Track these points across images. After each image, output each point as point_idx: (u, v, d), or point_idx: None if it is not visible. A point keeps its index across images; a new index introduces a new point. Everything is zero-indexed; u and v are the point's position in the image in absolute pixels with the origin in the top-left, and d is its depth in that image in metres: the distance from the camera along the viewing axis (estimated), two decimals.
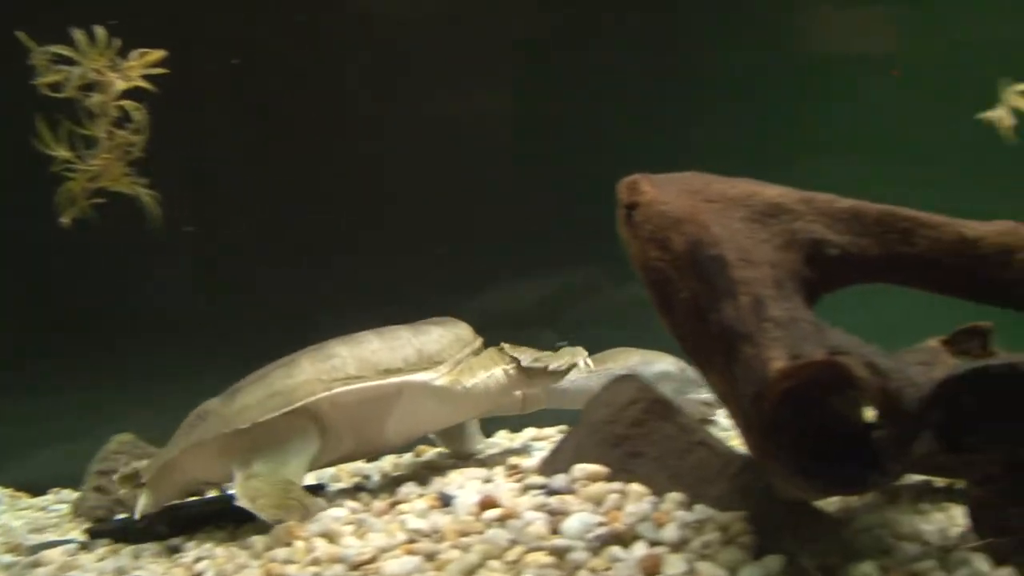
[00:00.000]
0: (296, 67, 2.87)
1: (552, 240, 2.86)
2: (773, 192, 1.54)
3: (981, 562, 1.37)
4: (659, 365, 2.54)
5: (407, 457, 2.48)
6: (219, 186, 2.93)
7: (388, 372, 2.07)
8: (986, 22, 2.76)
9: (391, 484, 2.12)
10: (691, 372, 2.49)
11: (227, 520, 2.01)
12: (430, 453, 2.47)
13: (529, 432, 2.58)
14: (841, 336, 1.43)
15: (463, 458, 2.35)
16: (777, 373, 1.36)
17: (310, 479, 2.22)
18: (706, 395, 2.50)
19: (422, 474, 2.19)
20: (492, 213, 2.87)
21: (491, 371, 2.18)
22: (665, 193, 1.53)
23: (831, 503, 1.68)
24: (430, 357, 2.11)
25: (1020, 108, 2.12)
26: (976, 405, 1.41)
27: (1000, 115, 2.19)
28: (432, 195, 2.88)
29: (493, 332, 2.29)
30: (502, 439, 2.56)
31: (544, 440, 2.48)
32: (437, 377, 2.11)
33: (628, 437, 1.77)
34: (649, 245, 1.51)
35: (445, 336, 2.17)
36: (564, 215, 2.83)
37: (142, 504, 2.03)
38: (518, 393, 2.26)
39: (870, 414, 1.46)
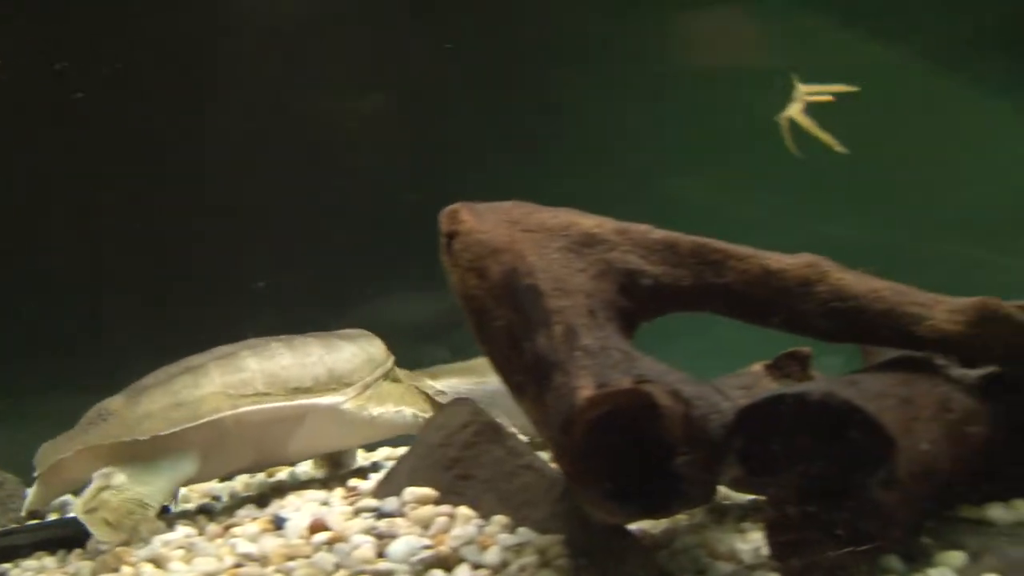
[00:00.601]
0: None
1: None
2: (590, 222, 1.59)
3: None
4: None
5: (260, 477, 2.47)
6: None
7: (297, 392, 2.06)
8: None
9: (236, 506, 2.11)
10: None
11: (60, 546, 1.97)
12: (282, 473, 2.47)
13: (383, 451, 2.59)
14: (650, 364, 1.48)
15: (338, 470, 2.36)
16: (584, 401, 1.40)
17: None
18: None
19: (268, 496, 2.18)
20: (386, 224, 2.87)
21: (401, 408, 2.19)
22: (484, 222, 1.56)
23: (659, 524, 1.73)
24: (340, 378, 2.12)
25: (797, 120, 2.02)
26: (774, 432, 1.48)
27: (789, 117, 2.08)
28: (324, 204, 2.86)
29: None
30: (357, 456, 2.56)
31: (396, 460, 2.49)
32: (344, 401, 2.11)
33: (459, 460, 1.79)
34: (467, 274, 1.54)
35: (358, 356, 2.18)
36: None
37: (31, 499, 2.01)
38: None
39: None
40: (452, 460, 1.80)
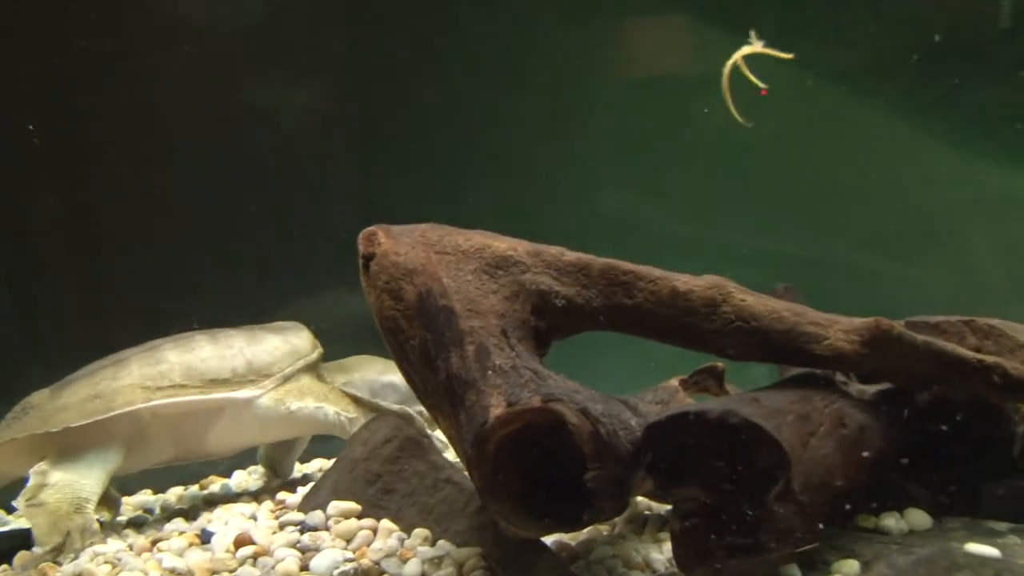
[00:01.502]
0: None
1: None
2: (503, 245, 1.64)
3: None
4: (390, 375, 2.48)
5: (193, 490, 2.50)
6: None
7: (214, 384, 2.08)
8: None
9: (166, 519, 2.14)
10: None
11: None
12: (215, 485, 2.49)
13: (317, 463, 2.62)
14: (560, 383, 1.53)
15: (276, 478, 2.39)
16: (495, 420, 1.46)
17: None
18: None
19: (198, 509, 2.21)
20: (332, 218, 2.90)
21: (321, 404, 2.19)
22: (401, 245, 1.60)
23: (578, 536, 1.79)
24: (259, 370, 2.14)
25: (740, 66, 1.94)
26: (680, 446, 1.53)
27: (733, 63, 1.94)
28: (266, 198, 2.89)
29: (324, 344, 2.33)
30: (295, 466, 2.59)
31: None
32: (261, 394, 2.13)
33: (382, 474, 1.83)
34: (384, 295, 1.58)
35: (280, 348, 2.19)
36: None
37: None
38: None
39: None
40: (375, 474, 1.84)
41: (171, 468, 2.25)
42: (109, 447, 2.01)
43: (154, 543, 1.90)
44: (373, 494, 1.83)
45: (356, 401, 2.25)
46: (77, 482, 1.95)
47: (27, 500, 1.90)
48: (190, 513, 2.21)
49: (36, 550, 1.84)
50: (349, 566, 1.67)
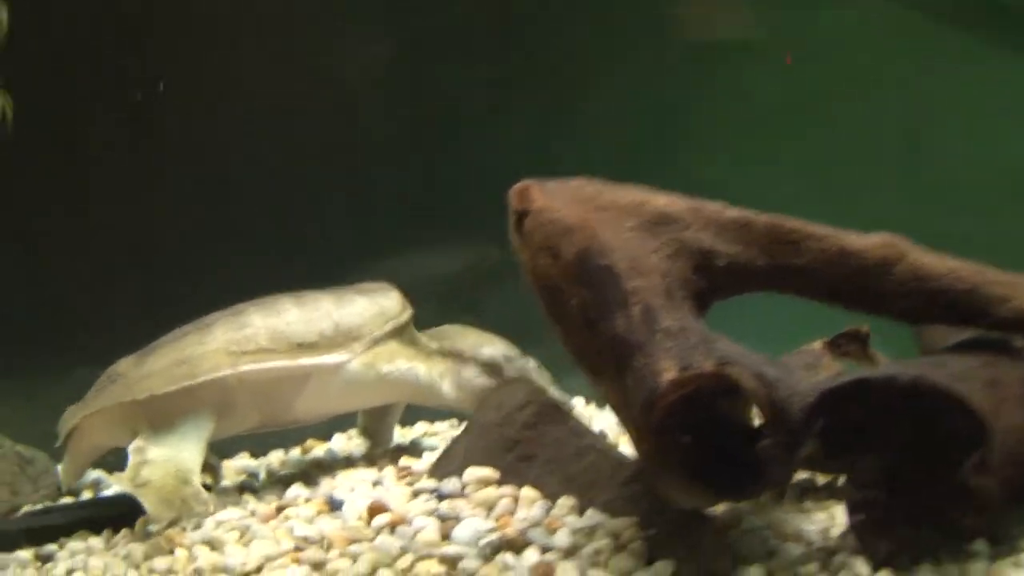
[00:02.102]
0: None
1: (462, 211, 2.76)
2: (662, 201, 1.55)
3: (861, 565, 1.41)
4: (486, 349, 2.29)
5: (294, 454, 2.44)
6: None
7: (301, 347, 2.00)
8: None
9: (278, 484, 2.08)
10: (517, 364, 2.29)
11: (102, 525, 1.94)
12: (318, 449, 2.44)
13: (420, 427, 2.56)
14: (729, 346, 1.45)
15: (377, 447, 2.32)
16: (668, 384, 1.38)
17: None
18: None
19: (311, 474, 2.15)
20: (398, 178, 2.81)
21: (412, 364, 2.10)
22: (556, 201, 1.52)
23: (720, 506, 1.71)
24: (347, 333, 2.05)
25: None
26: (857, 414, 1.45)
27: None
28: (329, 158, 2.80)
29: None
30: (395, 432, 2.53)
31: (436, 436, 2.47)
32: (350, 359, 2.04)
33: (519, 441, 1.76)
34: (539, 253, 1.50)
35: (368, 309, 2.10)
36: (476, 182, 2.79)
37: (62, 474, 1.98)
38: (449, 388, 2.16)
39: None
40: (512, 441, 1.77)
41: (266, 431, 2.20)
42: (200, 414, 1.95)
43: (279, 510, 1.84)
44: (511, 461, 1.76)
45: (444, 354, 2.17)
46: (177, 455, 1.89)
47: (132, 480, 1.84)
48: (299, 478, 2.15)
49: (152, 528, 1.78)
50: (493, 536, 1.60)
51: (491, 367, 2.19)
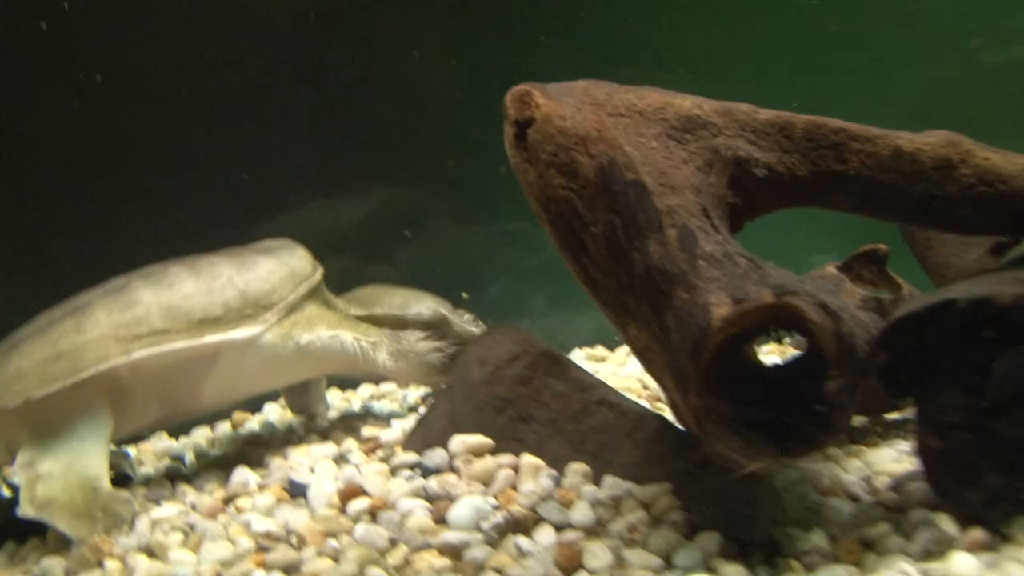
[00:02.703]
0: None
1: (369, 156, 2.49)
2: (687, 103, 1.29)
3: (947, 523, 1.20)
4: (415, 307, 2.05)
5: (223, 429, 2.12)
6: None
7: (203, 324, 1.66)
8: None
9: (214, 468, 1.76)
10: (451, 317, 2.05)
11: (2, 536, 1.60)
12: (251, 422, 2.12)
13: (365, 390, 2.26)
14: (780, 273, 1.21)
15: (303, 415, 2.02)
16: (721, 321, 1.13)
17: None
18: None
19: (251, 453, 1.84)
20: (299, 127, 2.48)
21: (336, 332, 1.80)
22: (564, 107, 1.24)
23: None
24: (256, 301, 1.72)
25: None
26: (932, 345, 1.24)
27: None
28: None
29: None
30: (333, 398, 2.22)
31: (387, 399, 2.17)
32: (264, 331, 1.72)
33: (512, 399, 1.50)
34: (549, 171, 1.22)
35: (276, 271, 1.77)
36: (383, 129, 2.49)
37: None
38: (386, 359, 1.84)
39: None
40: (503, 400, 1.50)
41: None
42: (93, 410, 1.60)
43: (226, 500, 1.54)
44: (504, 424, 1.49)
45: (376, 322, 1.87)
46: (75, 462, 1.54)
47: (31, 503, 1.49)
48: (238, 459, 1.83)
49: (76, 551, 1.45)
50: (498, 516, 1.33)
51: (432, 326, 1.90)
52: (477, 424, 1.50)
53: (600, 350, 2.30)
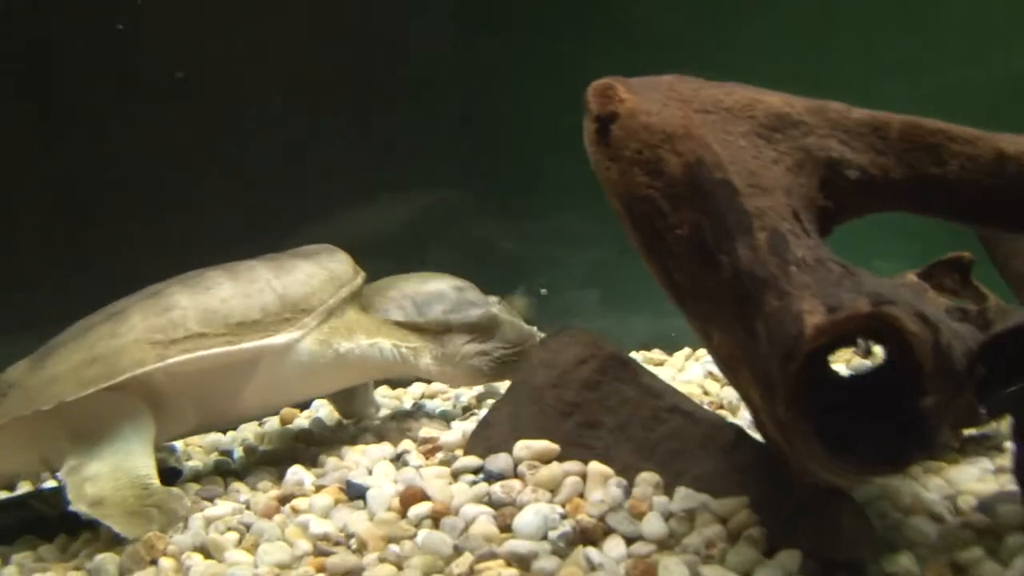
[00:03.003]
0: None
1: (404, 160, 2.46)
2: (776, 100, 1.23)
3: None
4: (432, 284, 1.99)
5: (272, 424, 2.08)
6: None
7: (241, 328, 1.61)
8: None
9: (265, 465, 1.72)
10: (471, 294, 2.00)
11: (53, 528, 1.56)
12: (300, 419, 2.08)
13: (417, 388, 2.22)
14: (874, 280, 1.15)
15: (352, 419, 1.98)
16: (814, 330, 1.07)
17: None
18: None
19: (302, 451, 1.80)
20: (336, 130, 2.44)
21: (376, 340, 1.74)
22: (649, 102, 1.19)
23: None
24: (295, 305, 1.67)
25: None
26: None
27: None
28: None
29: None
30: (383, 396, 2.18)
31: (437, 398, 2.13)
32: (303, 335, 1.67)
33: (579, 404, 1.45)
34: (633, 169, 1.17)
35: (315, 275, 1.72)
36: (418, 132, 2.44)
37: None
38: (430, 363, 1.80)
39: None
40: (570, 404, 1.45)
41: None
42: (135, 413, 1.56)
43: (282, 501, 1.50)
44: (571, 430, 1.44)
45: (416, 329, 1.81)
46: (122, 462, 1.50)
47: (82, 501, 1.45)
48: (289, 456, 1.80)
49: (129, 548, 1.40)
50: (567, 525, 1.28)
51: (478, 328, 1.84)
52: (542, 429, 1.45)
53: (657, 353, 2.24)
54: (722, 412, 1.78)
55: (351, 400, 1.97)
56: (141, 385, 1.56)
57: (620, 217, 1.22)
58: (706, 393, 1.91)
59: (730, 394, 1.86)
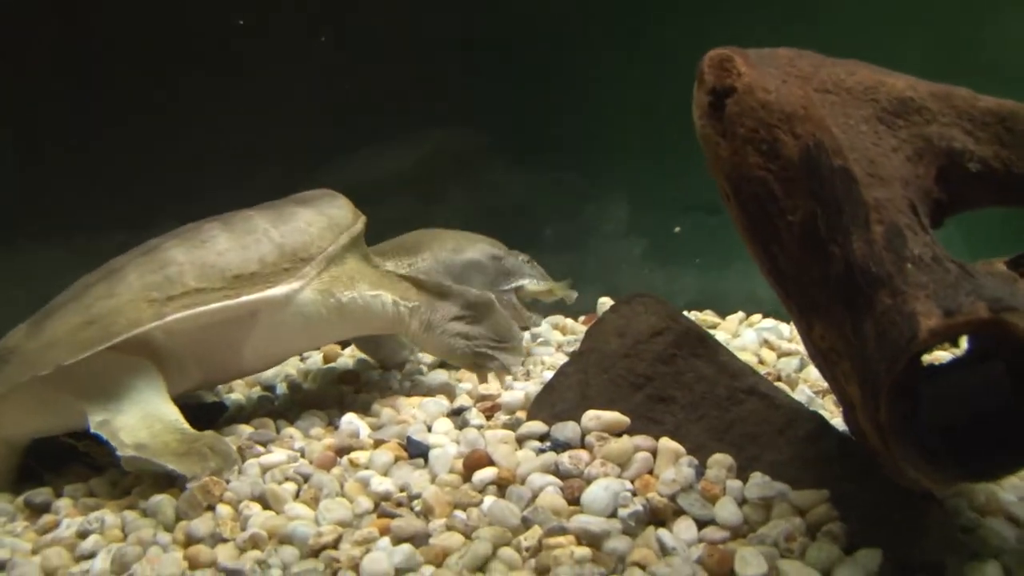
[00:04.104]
0: None
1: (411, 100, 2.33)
2: (901, 83, 1.17)
3: None
4: (469, 252, 1.98)
5: (315, 359, 2.05)
6: None
7: (239, 281, 1.57)
8: None
9: (313, 408, 1.68)
10: (509, 262, 2.00)
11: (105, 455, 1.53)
12: (344, 356, 2.05)
13: None
14: (992, 282, 1.10)
15: (388, 368, 1.94)
16: (928, 333, 1.03)
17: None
18: (530, 281, 2.04)
19: (351, 397, 1.77)
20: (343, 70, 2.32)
21: (379, 292, 1.68)
22: (767, 77, 1.13)
23: None
24: (294, 255, 1.62)
25: None
26: None
27: None
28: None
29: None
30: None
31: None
32: (303, 285, 1.62)
33: (652, 378, 1.41)
34: (747, 148, 1.12)
35: (314, 223, 1.66)
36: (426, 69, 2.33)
37: None
38: (416, 326, 1.73)
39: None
40: (643, 377, 1.41)
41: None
42: (142, 368, 1.52)
43: (339, 452, 1.46)
44: (641, 402, 1.40)
45: (418, 285, 1.74)
46: (148, 411, 1.48)
47: (126, 446, 1.42)
48: (334, 398, 1.77)
49: (191, 485, 1.38)
50: (636, 503, 1.25)
51: (474, 307, 1.77)
52: (611, 400, 1.41)
53: (710, 315, 2.19)
54: (780, 385, 1.74)
55: (379, 347, 1.94)
56: (141, 344, 1.52)
57: (724, 195, 1.16)
58: (761, 362, 1.87)
59: (788, 366, 1.82)
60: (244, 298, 1.57)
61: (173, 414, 1.50)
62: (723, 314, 2.19)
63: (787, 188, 1.10)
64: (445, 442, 1.44)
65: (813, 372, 1.75)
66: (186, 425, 1.48)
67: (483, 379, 1.72)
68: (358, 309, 1.66)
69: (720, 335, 2.05)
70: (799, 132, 1.10)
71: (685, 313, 2.20)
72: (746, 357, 1.86)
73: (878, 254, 1.07)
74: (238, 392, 1.92)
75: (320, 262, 1.64)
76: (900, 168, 1.13)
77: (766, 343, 1.94)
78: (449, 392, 1.69)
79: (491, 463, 1.35)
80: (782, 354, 1.89)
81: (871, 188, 1.10)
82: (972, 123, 1.17)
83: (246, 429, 1.58)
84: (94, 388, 1.49)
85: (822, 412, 1.60)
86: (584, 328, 2.16)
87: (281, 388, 1.93)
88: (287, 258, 1.61)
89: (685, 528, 1.24)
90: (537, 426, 1.42)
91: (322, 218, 1.68)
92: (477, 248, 1.99)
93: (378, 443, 1.47)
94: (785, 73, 1.14)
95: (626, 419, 1.39)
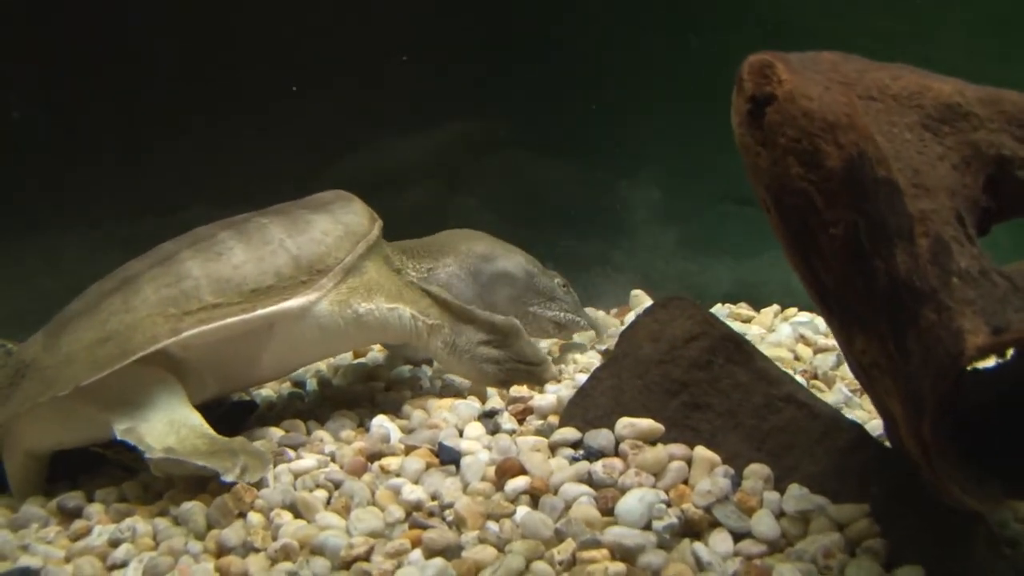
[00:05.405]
0: None
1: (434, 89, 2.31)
2: (947, 88, 1.13)
3: None
4: (501, 263, 1.89)
5: (345, 356, 2.04)
6: None
7: (256, 295, 1.55)
8: None
9: (343, 408, 1.67)
10: (542, 282, 1.92)
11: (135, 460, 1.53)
12: (374, 351, 2.04)
13: None
14: None
15: (417, 363, 1.93)
16: (975, 351, 1.00)
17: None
18: (558, 314, 1.92)
19: (382, 395, 1.76)
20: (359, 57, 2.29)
21: (396, 305, 1.66)
22: (810, 84, 1.09)
23: None
24: (310, 266, 1.60)
25: None
26: None
27: None
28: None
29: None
30: None
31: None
32: (319, 298, 1.60)
33: (688, 384, 1.38)
34: (788, 158, 1.08)
35: (331, 231, 1.64)
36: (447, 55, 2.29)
37: (12, 485, 1.54)
38: (440, 348, 1.69)
39: None
40: (678, 383, 1.39)
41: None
42: (161, 379, 1.51)
43: (370, 457, 1.45)
44: (676, 409, 1.38)
45: (443, 305, 1.70)
46: (175, 418, 1.47)
47: (156, 448, 1.42)
48: (365, 398, 1.76)
49: (226, 479, 1.37)
50: (671, 515, 1.23)
51: (499, 332, 1.71)
52: (645, 406, 1.39)
53: (744, 308, 2.15)
54: (815, 383, 1.71)
55: (403, 346, 1.92)
56: (157, 360, 1.51)
57: (764, 206, 1.13)
58: (797, 359, 1.84)
59: (824, 363, 1.79)
60: (260, 311, 1.56)
61: (198, 420, 1.49)
62: (758, 307, 2.15)
63: (829, 200, 1.07)
64: (477, 448, 1.42)
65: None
66: (208, 429, 1.48)
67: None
68: (375, 321, 1.65)
69: (754, 329, 2.02)
70: (842, 142, 1.06)
71: (720, 306, 2.21)
72: (781, 353, 1.83)
73: (923, 268, 1.04)
74: (268, 388, 1.91)
75: (337, 273, 1.63)
76: (946, 177, 1.09)
77: (802, 338, 1.91)
78: (480, 393, 1.67)
79: (524, 472, 1.33)
80: (818, 350, 1.86)
81: (916, 199, 1.06)
82: (1022, 129, 1.13)
83: (276, 432, 1.57)
84: (116, 400, 1.49)
85: (860, 412, 1.58)
86: (617, 321, 2.14)
87: (311, 384, 1.92)
88: (304, 270, 1.60)
89: (721, 541, 1.22)
90: (570, 433, 1.40)
91: (338, 227, 1.66)
92: (512, 259, 1.91)
93: (409, 449, 1.46)
94: (828, 79, 1.10)
95: (661, 427, 1.36)
